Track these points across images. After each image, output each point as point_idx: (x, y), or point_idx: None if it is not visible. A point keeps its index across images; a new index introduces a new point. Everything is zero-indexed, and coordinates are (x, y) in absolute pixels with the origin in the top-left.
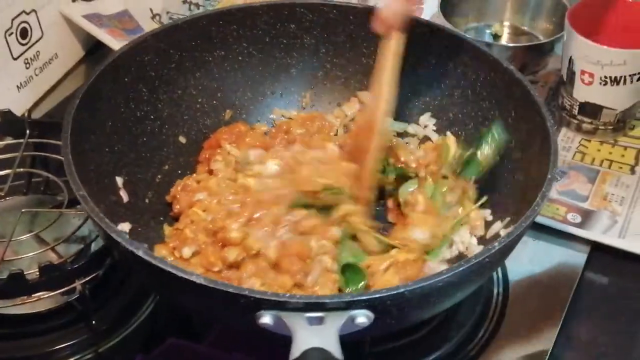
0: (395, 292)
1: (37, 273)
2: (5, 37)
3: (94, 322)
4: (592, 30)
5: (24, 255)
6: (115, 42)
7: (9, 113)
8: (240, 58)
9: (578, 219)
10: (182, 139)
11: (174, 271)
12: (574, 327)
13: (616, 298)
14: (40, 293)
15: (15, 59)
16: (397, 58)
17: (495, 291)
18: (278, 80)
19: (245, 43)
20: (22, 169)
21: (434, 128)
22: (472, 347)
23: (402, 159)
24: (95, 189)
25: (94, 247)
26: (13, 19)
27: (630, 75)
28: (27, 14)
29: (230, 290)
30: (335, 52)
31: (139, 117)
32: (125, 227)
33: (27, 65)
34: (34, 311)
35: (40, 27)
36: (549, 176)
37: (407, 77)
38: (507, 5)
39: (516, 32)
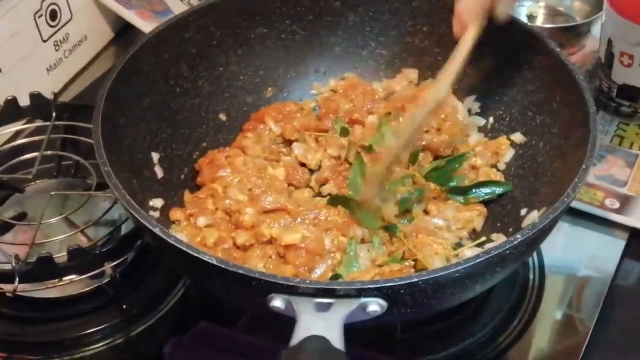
0: (408, 281)
1: (66, 257)
2: (35, 19)
3: (124, 306)
4: (632, 10)
5: (54, 239)
6: (144, 24)
7: (38, 96)
8: (283, 35)
9: (616, 205)
10: (222, 117)
11: (188, 250)
12: (612, 316)
13: None
14: (70, 277)
15: (44, 41)
16: (468, 52)
17: (530, 277)
18: (322, 58)
19: (288, 20)
20: (50, 152)
21: (478, 111)
22: (506, 335)
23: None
24: (128, 164)
25: (124, 229)
26: (42, 1)
27: None
28: None
29: (241, 272)
30: (380, 31)
31: (179, 94)
32: (157, 203)
33: (57, 48)
34: (65, 295)
35: (70, 9)
36: (584, 166)
37: None
38: None
39: (552, 13)
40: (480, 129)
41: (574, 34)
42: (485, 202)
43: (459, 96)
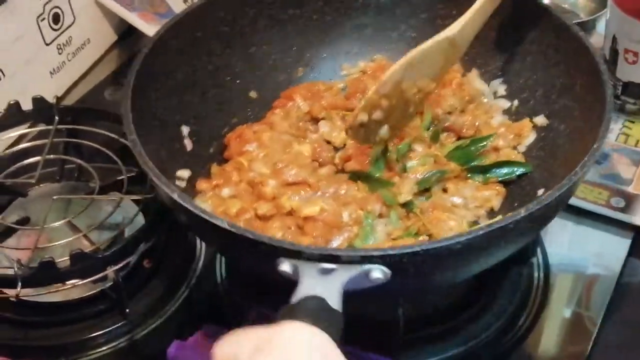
0: (410, 250)
1: (69, 261)
2: (38, 23)
3: (127, 309)
4: (636, 7)
5: (57, 243)
6: (147, 26)
7: (40, 100)
8: (315, 17)
9: (622, 204)
10: (253, 94)
11: (203, 215)
12: (619, 314)
13: None
14: (73, 281)
15: (47, 44)
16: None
17: (535, 277)
18: (353, 40)
19: (320, 2)
20: (53, 156)
21: (504, 94)
22: (511, 336)
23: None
24: (157, 136)
25: (127, 232)
26: (45, 4)
27: None
28: None
29: (250, 236)
30: (410, 13)
31: (211, 71)
32: (184, 173)
33: (60, 51)
34: (68, 299)
35: (72, 12)
36: (595, 145)
37: (481, 40)
38: None
39: (557, 10)
40: (505, 112)
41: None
42: (505, 183)
43: (486, 79)
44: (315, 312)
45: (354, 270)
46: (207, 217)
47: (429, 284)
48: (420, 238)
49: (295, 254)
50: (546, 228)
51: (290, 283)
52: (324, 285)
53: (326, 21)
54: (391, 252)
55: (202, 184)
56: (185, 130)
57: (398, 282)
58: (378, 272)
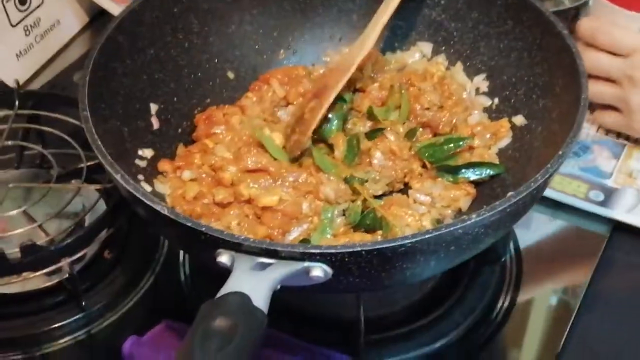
0: (351, 249)
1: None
2: (3, 3)
3: (84, 302)
4: None
5: (10, 233)
6: (119, 9)
7: (0, 84)
8: None
9: (601, 197)
10: (230, 75)
11: (144, 199)
12: (592, 313)
13: (637, 279)
14: (24, 274)
15: (13, 26)
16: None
17: (507, 274)
18: (339, 24)
19: None
20: (11, 142)
21: (486, 90)
22: (481, 334)
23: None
24: (121, 112)
25: (88, 221)
26: None
27: None
28: None
29: (189, 224)
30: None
31: (187, 48)
32: (147, 153)
33: (27, 33)
34: (24, 290)
35: None
36: (560, 152)
37: (468, 33)
38: None
39: None
40: (485, 109)
41: (562, 17)
42: (477, 183)
43: (470, 73)
44: (236, 309)
45: (293, 267)
46: (147, 201)
47: (375, 285)
48: (378, 233)
49: (234, 246)
50: (522, 222)
51: None
52: (253, 282)
53: (312, 4)
54: (332, 251)
55: (163, 165)
56: (153, 108)
57: (342, 281)
58: (318, 271)
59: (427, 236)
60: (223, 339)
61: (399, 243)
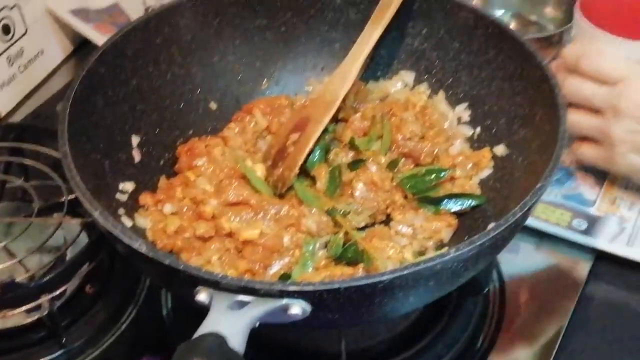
0: (330, 287)
1: None
2: None
3: (64, 339)
4: (605, 21)
5: None
6: (103, 38)
7: None
8: (283, 29)
9: (584, 226)
10: (213, 105)
11: (122, 237)
12: (576, 340)
13: (620, 309)
14: (3, 311)
15: None
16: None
17: (491, 304)
18: (321, 54)
19: (289, 14)
20: None
21: (468, 119)
22: None
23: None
24: (102, 145)
25: (70, 254)
26: None
27: None
28: (10, 8)
29: (167, 262)
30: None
31: (169, 80)
32: (128, 186)
33: (10, 63)
34: (4, 327)
35: (25, 22)
36: (539, 185)
37: (449, 62)
38: None
39: (524, 23)
40: (466, 139)
41: (547, 43)
42: (458, 214)
43: (452, 102)
44: (211, 351)
45: (271, 305)
46: (124, 239)
47: (353, 321)
48: (360, 266)
49: (212, 284)
50: (505, 252)
51: None
52: (231, 322)
53: (294, 34)
54: (310, 288)
55: (145, 198)
56: (135, 140)
57: (321, 318)
58: (297, 308)
59: (405, 272)
60: None
61: (377, 279)
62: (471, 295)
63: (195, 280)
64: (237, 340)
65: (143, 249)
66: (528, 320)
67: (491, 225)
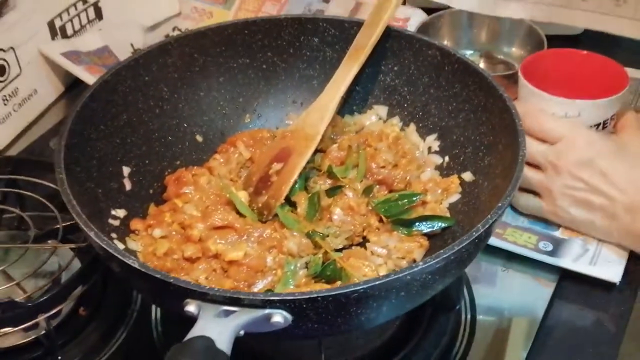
0: (308, 296)
1: None
2: None
3: (59, 357)
4: (546, 83)
5: None
6: (93, 79)
7: None
8: (264, 67)
9: (549, 247)
10: (199, 138)
11: (117, 255)
12: (543, 352)
13: (584, 328)
14: (3, 330)
15: None
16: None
17: (462, 320)
18: (300, 90)
19: (269, 53)
20: None
21: (437, 149)
22: None
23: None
24: (95, 175)
25: (64, 279)
26: None
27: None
28: (5, 51)
29: (159, 276)
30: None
31: (157, 114)
32: (120, 213)
33: (5, 102)
34: (1, 347)
35: (19, 64)
36: (499, 204)
37: (420, 97)
38: (482, 34)
39: (493, 62)
40: (436, 167)
41: (513, 80)
42: (429, 236)
43: (422, 133)
44: (200, 352)
45: (255, 314)
46: (119, 256)
47: (332, 331)
48: (338, 283)
49: (201, 295)
50: (476, 272)
51: None
52: (218, 328)
53: (275, 71)
54: (291, 298)
55: (135, 224)
56: (125, 170)
57: (301, 327)
58: (279, 317)
59: (377, 282)
60: None
61: (351, 289)
62: (444, 312)
63: (184, 292)
64: (224, 343)
65: (136, 264)
66: (497, 334)
67: (454, 243)
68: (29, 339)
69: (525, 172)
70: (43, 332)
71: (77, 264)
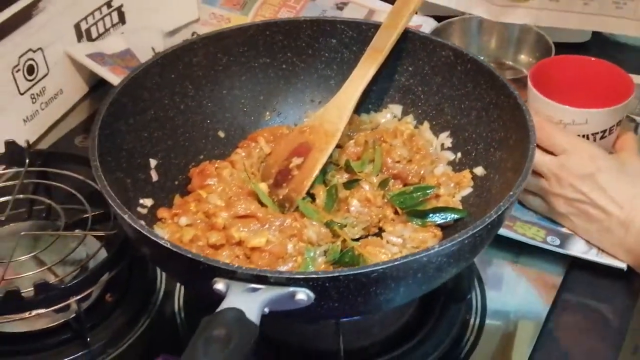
0: (330, 275)
1: (33, 291)
2: (13, 73)
3: (88, 339)
4: (554, 89)
5: (23, 275)
6: (117, 79)
7: (12, 144)
8: (284, 66)
9: (557, 242)
10: (221, 134)
11: (149, 235)
12: (550, 341)
13: (592, 311)
14: (36, 311)
15: (22, 94)
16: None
17: (473, 310)
18: (318, 89)
19: (289, 53)
20: (22, 196)
21: (450, 146)
22: None
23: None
24: (124, 165)
25: (90, 267)
26: (20, 57)
27: (593, 134)
28: (34, 51)
29: (189, 255)
30: None
31: (182, 110)
32: (147, 202)
33: (34, 100)
34: (32, 329)
35: (47, 65)
36: (511, 193)
37: (433, 96)
38: (492, 41)
39: (501, 67)
40: (449, 162)
41: (521, 84)
42: (442, 227)
43: (435, 131)
44: (231, 321)
45: (280, 291)
46: (151, 237)
47: (353, 311)
48: None
49: (229, 274)
50: (486, 265)
51: None
52: (246, 301)
53: (294, 71)
54: (314, 276)
55: (162, 212)
56: (152, 162)
57: (323, 305)
58: (302, 294)
59: (396, 263)
60: (221, 344)
61: (371, 269)
62: (456, 302)
63: (213, 271)
64: (252, 314)
65: (168, 244)
66: (507, 324)
67: (468, 227)
68: (58, 321)
69: (530, 178)
70: (73, 315)
71: (103, 254)
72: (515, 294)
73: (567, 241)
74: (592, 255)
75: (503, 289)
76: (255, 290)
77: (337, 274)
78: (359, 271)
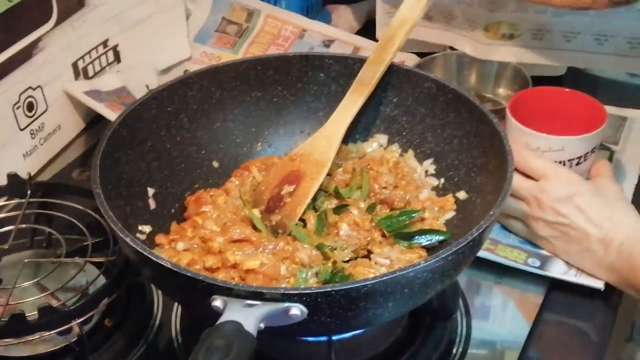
0: (322, 290)
1: (37, 314)
2: (13, 110)
3: None
4: (532, 119)
5: (26, 300)
6: (114, 115)
7: (15, 176)
8: (275, 99)
9: (537, 264)
10: (215, 164)
11: (150, 256)
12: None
13: (569, 330)
14: (40, 333)
15: (22, 129)
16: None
17: (459, 328)
18: (308, 121)
19: (280, 87)
20: (24, 225)
21: (433, 172)
22: None
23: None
24: (124, 194)
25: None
26: (21, 94)
27: (569, 160)
28: (34, 89)
29: (189, 274)
30: None
31: (178, 141)
32: (146, 228)
33: (33, 136)
34: (35, 353)
35: (46, 101)
36: (491, 212)
37: (417, 125)
38: (472, 75)
39: (481, 100)
40: (433, 188)
41: (500, 115)
42: (427, 248)
43: (419, 158)
44: (231, 332)
45: (275, 307)
46: (152, 257)
47: (344, 326)
48: None
49: (227, 291)
50: (470, 286)
51: None
52: (244, 314)
53: (285, 103)
54: (308, 292)
55: (160, 238)
56: (150, 191)
57: (315, 320)
58: (296, 309)
59: (384, 278)
60: (222, 353)
61: (362, 284)
62: (441, 321)
63: (212, 288)
64: (250, 326)
65: (168, 264)
66: (491, 341)
67: (451, 244)
68: (60, 345)
69: (511, 203)
70: (75, 338)
71: (102, 280)
72: (498, 313)
73: (547, 263)
74: (571, 276)
75: (486, 308)
76: (251, 305)
77: (329, 289)
78: (350, 286)
